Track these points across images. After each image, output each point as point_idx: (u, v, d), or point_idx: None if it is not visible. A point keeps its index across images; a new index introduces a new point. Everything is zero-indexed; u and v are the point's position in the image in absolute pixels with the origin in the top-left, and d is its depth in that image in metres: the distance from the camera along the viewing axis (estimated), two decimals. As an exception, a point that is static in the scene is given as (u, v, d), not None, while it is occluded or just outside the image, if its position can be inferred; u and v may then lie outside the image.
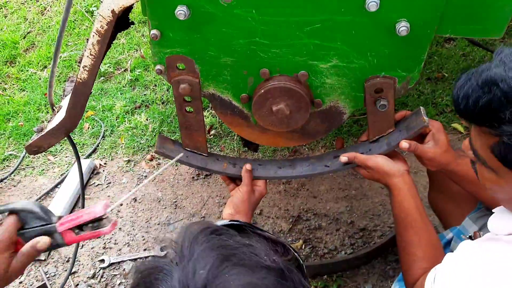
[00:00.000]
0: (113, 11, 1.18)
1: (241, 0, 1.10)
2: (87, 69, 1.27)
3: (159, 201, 2.24)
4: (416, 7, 1.08)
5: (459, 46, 2.76)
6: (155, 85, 2.87)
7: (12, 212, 0.98)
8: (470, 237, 1.27)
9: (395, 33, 1.11)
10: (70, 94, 1.38)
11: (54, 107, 1.50)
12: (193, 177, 2.33)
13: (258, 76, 1.25)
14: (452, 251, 1.35)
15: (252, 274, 0.60)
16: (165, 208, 2.20)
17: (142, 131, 2.58)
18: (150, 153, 2.46)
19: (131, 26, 1.93)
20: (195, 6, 1.12)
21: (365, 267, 1.86)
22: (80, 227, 0.98)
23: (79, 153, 1.65)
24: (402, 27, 1.10)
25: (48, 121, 1.47)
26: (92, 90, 1.37)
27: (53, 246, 0.99)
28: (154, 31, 1.17)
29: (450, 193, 1.49)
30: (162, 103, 2.75)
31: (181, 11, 1.11)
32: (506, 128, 0.78)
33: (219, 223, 0.71)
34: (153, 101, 2.75)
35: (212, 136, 2.49)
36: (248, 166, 1.42)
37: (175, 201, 2.23)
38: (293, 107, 1.26)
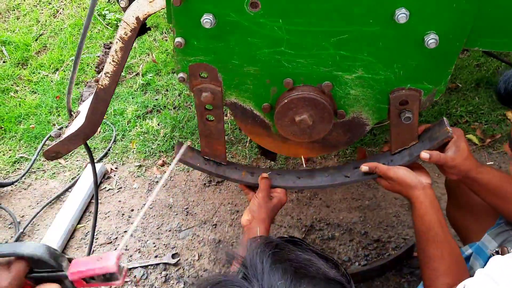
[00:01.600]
0: (137, 18, 1.17)
1: (268, 9, 1.09)
2: (109, 75, 1.26)
3: (170, 208, 2.22)
4: (446, 19, 1.06)
5: (473, 57, 2.74)
6: (167, 90, 2.86)
7: (20, 257, 0.94)
8: (497, 252, 1.25)
9: (424, 45, 1.10)
10: (89, 99, 1.37)
11: (72, 113, 1.49)
12: (204, 184, 2.31)
13: (281, 85, 1.24)
14: (472, 268, 1.33)
15: (324, 284, 0.64)
16: (177, 214, 2.19)
17: (153, 136, 2.57)
18: (161, 159, 2.45)
19: (148, 31, 1.93)
20: (221, 15, 1.11)
21: (379, 279, 1.84)
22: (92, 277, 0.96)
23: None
24: (431, 39, 1.08)
25: (66, 127, 1.46)
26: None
27: None
28: (178, 39, 1.16)
29: (470, 207, 1.47)
30: (174, 108, 2.74)
31: (207, 20, 1.10)
32: None
33: (275, 237, 0.76)
34: (164, 106, 2.74)
35: (224, 143, 2.47)
36: (264, 174, 1.41)
37: (187, 208, 2.21)
38: (316, 118, 1.25)
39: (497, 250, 1.27)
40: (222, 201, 2.23)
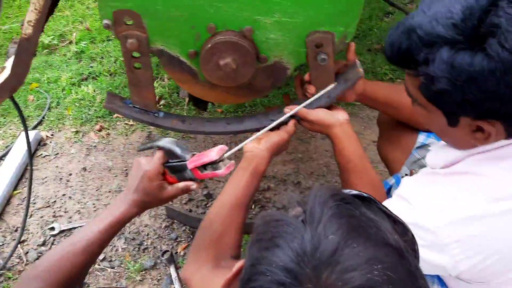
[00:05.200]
0: (57, -37, 1.18)
1: (187, -47, 1.14)
2: (32, 24, 1.26)
3: (109, 170, 2.24)
4: (350, -37, 1.16)
5: (397, 20, 2.91)
6: (102, 57, 2.83)
7: (159, 148, 1.19)
8: (407, 175, 1.38)
9: (333, -12, 1.19)
10: (15, 53, 1.37)
11: (-3, 68, 1.47)
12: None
13: (205, 31, 1.29)
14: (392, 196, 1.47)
15: (378, 249, 0.60)
16: (116, 176, 2.21)
17: (90, 103, 2.55)
18: (99, 124, 2.45)
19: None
20: (141, -41, 1.15)
21: (311, 223, 1.96)
22: (204, 167, 1.14)
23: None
24: (339, -18, 1.18)
25: (-8, 81, 1.44)
26: (36, 50, 1.36)
27: (191, 179, 1.18)
28: (100, -16, 1.19)
29: (398, 142, 1.57)
30: (110, 75, 2.72)
31: (127, -37, 1.14)
32: (422, 69, 0.89)
33: (346, 191, 0.71)
34: (100, 73, 2.72)
35: (162, 106, 2.50)
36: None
37: (126, 169, 2.24)
38: (240, 62, 1.32)
39: (406, 174, 1.41)
40: (161, 161, 2.26)
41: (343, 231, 0.60)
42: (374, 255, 0.59)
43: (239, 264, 0.72)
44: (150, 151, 1.44)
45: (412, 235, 0.68)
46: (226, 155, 1.15)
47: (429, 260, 0.96)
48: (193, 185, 1.18)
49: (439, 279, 1.14)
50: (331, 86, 1.42)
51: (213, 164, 1.14)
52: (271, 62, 1.38)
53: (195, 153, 1.18)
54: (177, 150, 1.17)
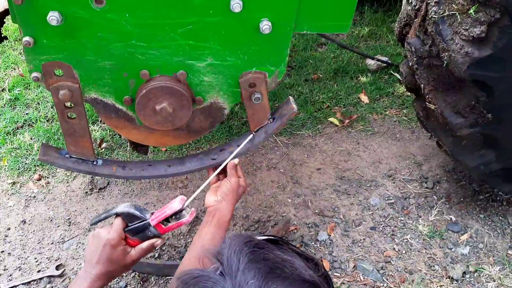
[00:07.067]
0: (-20, 19, 1.16)
1: (113, 4, 1.15)
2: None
3: (51, 220, 2.14)
4: (274, 7, 1.22)
5: (330, 50, 3.05)
6: (38, 103, 2.75)
7: (117, 215, 1.23)
8: None
9: (260, 31, 1.25)
10: None
11: None
12: (86, 192, 2.27)
13: (139, 77, 1.30)
14: None
15: (297, 286, 0.64)
16: (58, 226, 2.12)
17: (26, 151, 2.45)
18: (37, 173, 2.35)
19: (4, 40, 1.86)
20: (67, 12, 1.15)
21: (262, 255, 1.97)
22: (167, 220, 1.21)
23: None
24: (265, 25, 1.23)
25: None
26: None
27: (154, 236, 1.24)
28: (26, 38, 1.17)
29: None
30: (47, 120, 2.64)
31: (53, 17, 1.13)
32: None
33: (259, 237, 0.73)
34: (36, 120, 2.63)
35: (103, 149, 2.45)
36: (235, 161, 1.44)
37: (69, 218, 2.15)
38: (176, 105, 1.34)
39: None
40: (106, 207, 2.21)
41: (261, 274, 0.63)
42: None
43: None
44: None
45: (325, 270, 0.73)
46: (186, 203, 1.22)
47: None
48: (157, 241, 1.24)
49: None
50: (267, 122, 1.46)
51: (176, 215, 1.22)
52: (208, 103, 1.40)
53: (153, 211, 1.25)
54: (137, 212, 1.23)
